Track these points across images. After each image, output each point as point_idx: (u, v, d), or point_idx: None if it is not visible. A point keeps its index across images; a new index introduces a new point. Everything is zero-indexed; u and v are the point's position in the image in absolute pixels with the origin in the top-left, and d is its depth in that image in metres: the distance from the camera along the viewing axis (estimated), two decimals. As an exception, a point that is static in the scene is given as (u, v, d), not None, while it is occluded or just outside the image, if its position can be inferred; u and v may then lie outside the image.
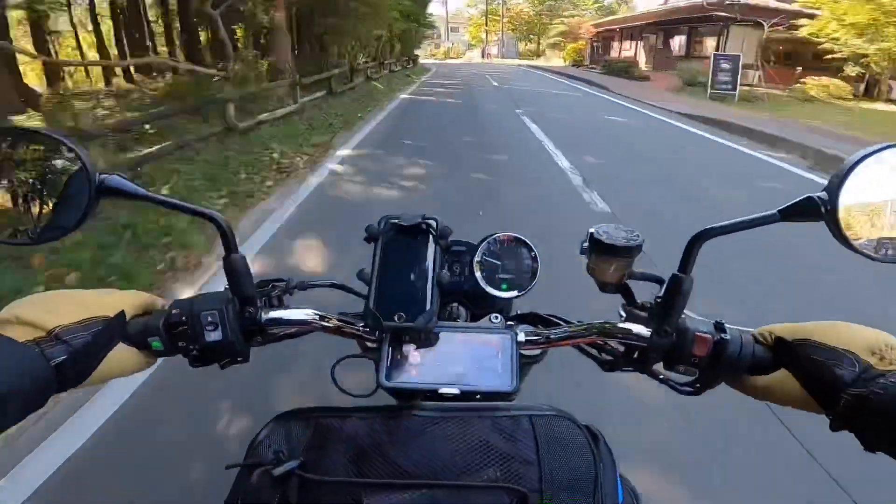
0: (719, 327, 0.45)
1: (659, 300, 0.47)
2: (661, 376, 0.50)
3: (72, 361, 0.36)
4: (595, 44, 26.44)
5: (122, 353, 0.41)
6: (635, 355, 0.50)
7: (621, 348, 0.52)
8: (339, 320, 0.51)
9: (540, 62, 36.65)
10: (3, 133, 0.42)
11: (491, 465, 0.41)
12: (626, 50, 24.25)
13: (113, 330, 0.40)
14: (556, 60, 36.70)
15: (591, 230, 0.53)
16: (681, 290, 0.45)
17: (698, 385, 0.47)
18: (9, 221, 0.42)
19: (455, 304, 0.65)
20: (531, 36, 48.28)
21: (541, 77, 21.58)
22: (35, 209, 0.41)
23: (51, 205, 0.41)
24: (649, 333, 0.47)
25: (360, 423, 0.44)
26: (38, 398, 0.35)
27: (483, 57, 49.32)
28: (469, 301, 0.63)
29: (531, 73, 24.01)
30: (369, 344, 0.52)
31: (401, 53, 25.98)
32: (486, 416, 0.45)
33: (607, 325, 0.50)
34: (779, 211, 0.40)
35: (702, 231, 0.43)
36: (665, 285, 0.46)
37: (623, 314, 0.52)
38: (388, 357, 0.47)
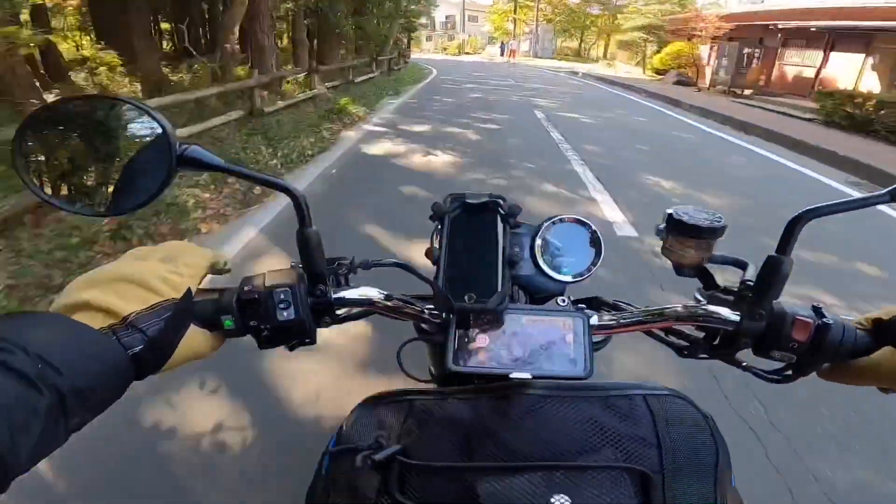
0: (818, 311, 0.44)
1: (750, 283, 0.47)
2: (744, 363, 0.49)
3: (148, 350, 0.35)
4: (748, 52, 13.36)
5: (193, 337, 0.40)
6: (716, 341, 0.49)
7: (700, 334, 0.51)
8: (403, 301, 0.50)
9: (598, 69, 23.64)
10: (84, 100, 0.41)
11: (607, 446, 0.38)
12: (824, 67, 11.73)
13: (183, 314, 0.39)
14: (624, 67, 23.83)
15: (670, 211, 0.52)
16: (780, 272, 0.43)
17: (789, 372, 0.46)
18: (83, 191, 0.40)
19: (515, 287, 0.60)
20: (571, 30, 35.75)
21: (702, 133, 8.93)
22: (111, 178, 0.40)
23: (126, 174, 0.40)
24: (738, 318, 0.46)
25: (461, 404, 0.41)
26: (118, 388, 0.34)
27: (503, 54, 36.34)
28: (527, 284, 0.59)
29: (638, 106, 11.12)
30: (425, 326, 0.52)
31: (360, 52, 13.15)
32: (597, 395, 0.41)
33: (687, 309, 0.49)
34: (888, 192, 0.40)
35: (805, 211, 0.42)
36: (761, 266, 0.45)
37: (702, 298, 0.51)
38: (454, 340, 0.46)
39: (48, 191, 0.39)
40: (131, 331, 0.35)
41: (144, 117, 0.39)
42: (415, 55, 26.99)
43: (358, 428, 0.42)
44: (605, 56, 31.55)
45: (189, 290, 0.39)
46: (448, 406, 0.41)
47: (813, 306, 0.45)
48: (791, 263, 0.43)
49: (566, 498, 0.34)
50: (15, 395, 0.26)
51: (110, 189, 0.40)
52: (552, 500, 0.34)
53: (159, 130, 0.39)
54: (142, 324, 0.35)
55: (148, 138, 0.39)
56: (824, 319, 0.44)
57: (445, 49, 46.01)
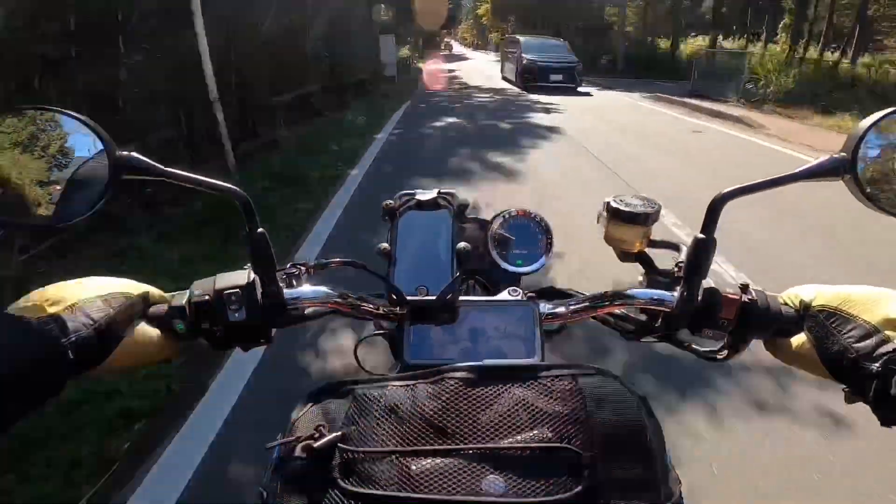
0: (744, 289, 0.46)
1: (681, 265, 0.49)
2: (686, 343, 0.50)
3: (93, 335, 0.36)
4: None
5: (144, 335, 0.41)
6: (658, 323, 0.51)
7: (644, 317, 0.53)
8: (358, 299, 0.51)
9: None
10: (19, 111, 0.40)
11: (538, 426, 0.39)
12: None
13: (136, 306, 0.41)
14: None
15: (608, 199, 0.55)
16: (705, 253, 0.45)
17: (725, 351, 0.48)
18: (25, 204, 0.40)
19: (471, 281, 0.65)
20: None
21: None
22: (53, 191, 0.40)
23: (66, 186, 0.40)
24: (674, 299, 0.47)
25: (400, 390, 0.42)
26: (53, 377, 0.33)
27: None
28: (483, 278, 0.64)
29: None
30: (386, 323, 0.53)
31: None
32: (528, 376, 0.42)
33: (629, 293, 0.50)
34: (799, 171, 0.41)
35: (724, 193, 0.43)
36: (688, 249, 0.46)
37: (644, 282, 0.54)
38: (410, 334, 0.48)
39: None
40: (78, 315, 0.36)
41: (84, 129, 0.39)
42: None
43: (304, 420, 0.43)
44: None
45: (147, 292, 0.43)
46: (388, 394, 0.42)
47: (741, 284, 0.46)
48: (714, 243, 0.45)
49: (498, 477, 0.35)
50: None
51: (52, 202, 0.40)
52: (485, 480, 0.35)
53: (98, 142, 0.39)
54: (90, 310, 0.37)
55: (88, 149, 0.40)
56: (749, 296, 0.45)
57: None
